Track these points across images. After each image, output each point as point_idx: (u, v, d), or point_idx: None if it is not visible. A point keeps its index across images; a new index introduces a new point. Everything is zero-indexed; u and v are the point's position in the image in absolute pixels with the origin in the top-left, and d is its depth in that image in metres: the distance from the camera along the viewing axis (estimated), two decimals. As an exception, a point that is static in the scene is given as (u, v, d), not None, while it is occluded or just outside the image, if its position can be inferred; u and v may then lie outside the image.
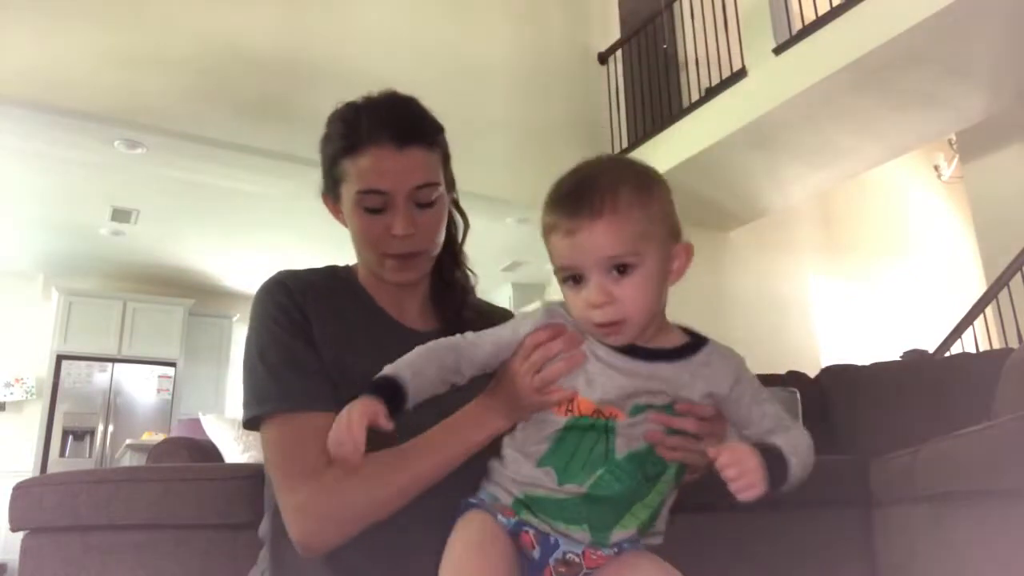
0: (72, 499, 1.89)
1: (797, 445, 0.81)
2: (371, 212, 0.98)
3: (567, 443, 0.82)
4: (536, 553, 0.82)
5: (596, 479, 0.81)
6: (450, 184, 1.07)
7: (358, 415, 0.79)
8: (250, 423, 0.97)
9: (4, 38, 3.96)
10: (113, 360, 7.05)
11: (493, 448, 0.90)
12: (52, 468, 6.41)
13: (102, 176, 5.18)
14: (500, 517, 0.83)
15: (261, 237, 6.33)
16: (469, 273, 1.15)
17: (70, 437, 6.68)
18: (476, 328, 0.92)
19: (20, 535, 1.97)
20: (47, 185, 5.38)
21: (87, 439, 6.75)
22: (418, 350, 0.87)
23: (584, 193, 0.79)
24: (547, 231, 0.82)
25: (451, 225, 1.11)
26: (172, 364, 7.29)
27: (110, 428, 6.84)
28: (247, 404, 0.97)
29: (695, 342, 0.85)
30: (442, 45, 5.31)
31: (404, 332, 1.04)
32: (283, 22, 4.78)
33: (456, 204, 1.12)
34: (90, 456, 6.70)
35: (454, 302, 1.10)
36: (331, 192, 1.04)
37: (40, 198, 5.61)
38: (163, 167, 4.86)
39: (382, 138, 0.97)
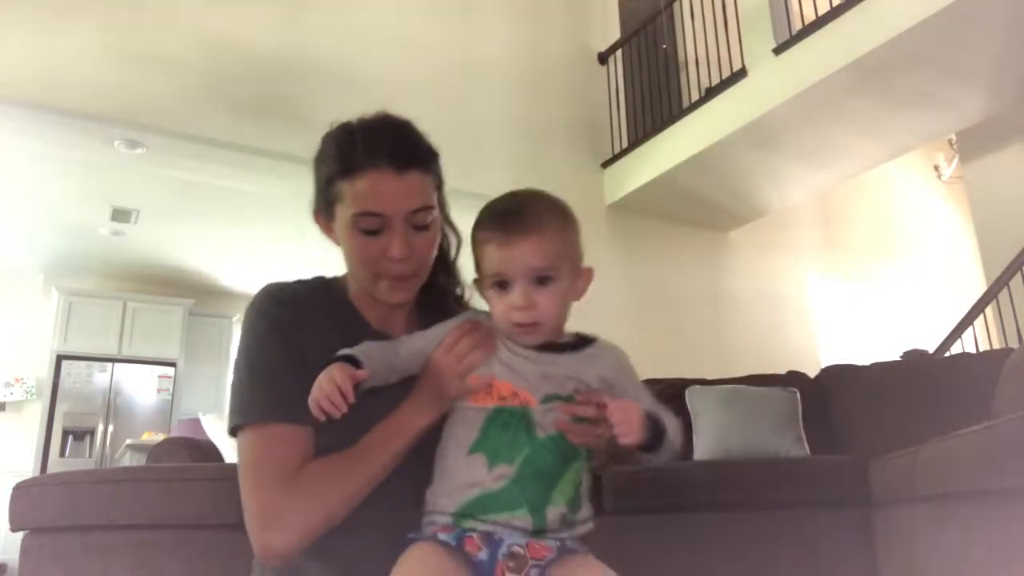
0: (72, 499, 1.89)
1: (673, 424, 0.97)
2: (367, 234, 1.00)
3: (494, 429, 0.93)
4: (484, 555, 0.88)
5: (524, 457, 0.91)
6: (442, 206, 1.10)
7: (341, 373, 0.90)
8: (233, 431, 1.01)
9: (4, 38, 3.96)
10: (113, 360, 7.05)
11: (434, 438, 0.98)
12: (52, 468, 6.41)
13: (102, 176, 5.18)
14: (441, 536, 0.90)
15: (261, 237, 6.33)
16: (463, 286, 1.17)
17: (70, 437, 6.68)
18: None
19: (20, 535, 1.97)
20: (47, 185, 5.38)
21: (87, 439, 6.75)
22: (368, 343, 0.98)
23: (518, 215, 0.94)
24: (481, 243, 0.96)
25: (443, 239, 1.13)
26: (172, 364, 7.29)
27: (110, 428, 6.84)
28: (231, 414, 1.01)
29: (587, 339, 1.00)
30: (442, 45, 5.31)
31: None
32: (283, 22, 4.78)
33: (448, 220, 1.14)
34: (90, 456, 6.70)
35: (439, 316, 1.12)
36: (324, 212, 1.06)
37: (40, 198, 5.61)
38: (163, 167, 4.86)
39: (381, 161, 0.98)
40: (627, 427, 0.89)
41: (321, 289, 1.10)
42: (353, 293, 1.10)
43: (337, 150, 1.02)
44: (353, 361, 0.93)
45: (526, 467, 0.91)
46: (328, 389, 0.89)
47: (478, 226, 0.97)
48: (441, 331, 1.00)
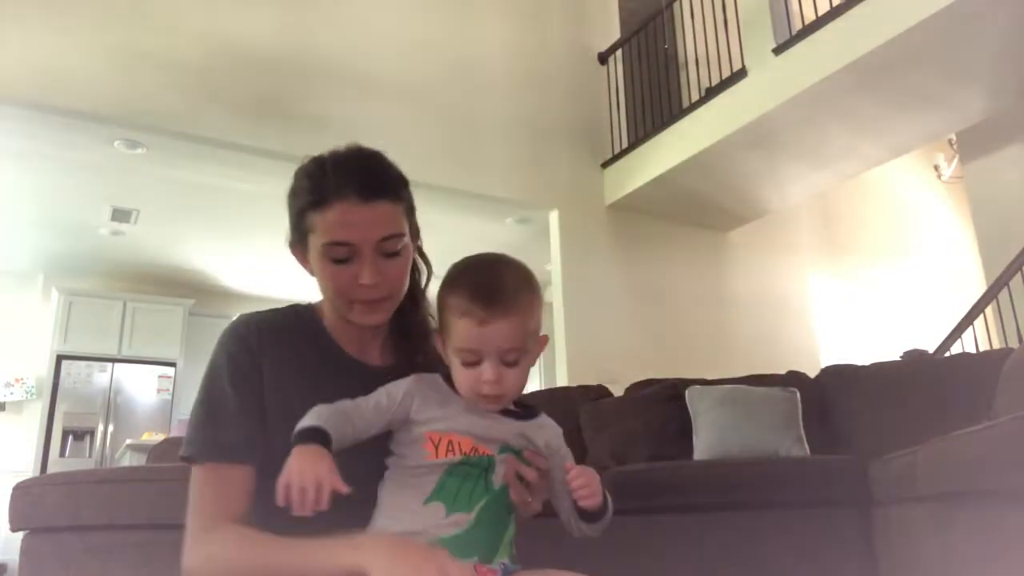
0: (72, 499, 1.89)
1: (609, 500, 1.03)
2: (338, 262, 1.03)
3: (454, 479, 0.95)
4: None
5: (483, 505, 0.95)
6: (415, 233, 1.12)
7: (327, 476, 0.86)
8: (184, 459, 1.04)
9: (4, 38, 3.96)
10: (113, 360, 7.04)
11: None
12: (52, 468, 6.40)
13: (102, 176, 5.18)
14: None
15: (261, 237, 6.31)
16: (429, 318, 1.19)
17: (70, 437, 6.67)
18: (433, 369, 1.04)
19: (20, 535, 1.97)
20: (47, 185, 5.38)
21: (87, 439, 6.74)
22: (323, 409, 0.96)
23: (498, 293, 0.96)
24: (456, 314, 0.96)
25: (415, 271, 1.15)
26: (172, 364, 7.28)
27: (110, 428, 6.84)
28: (184, 442, 1.04)
29: (533, 411, 1.05)
30: (442, 45, 5.31)
31: (365, 370, 1.09)
32: (283, 22, 4.78)
33: (420, 252, 1.16)
34: (90, 456, 6.69)
35: (413, 344, 1.15)
36: (299, 243, 1.10)
37: (40, 198, 5.61)
38: (163, 167, 4.86)
39: (348, 192, 1.01)
40: (589, 490, 0.96)
41: (294, 318, 1.12)
42: (328, 321, 1.13)
43: (309, 183, 1.06)
44: (319, 433, 0.92)
45: (484, 514, 0.94)
46: (307, 486, 0.85)
47: (451, 291, 0.98)
48: (393, 397, 1.00)
